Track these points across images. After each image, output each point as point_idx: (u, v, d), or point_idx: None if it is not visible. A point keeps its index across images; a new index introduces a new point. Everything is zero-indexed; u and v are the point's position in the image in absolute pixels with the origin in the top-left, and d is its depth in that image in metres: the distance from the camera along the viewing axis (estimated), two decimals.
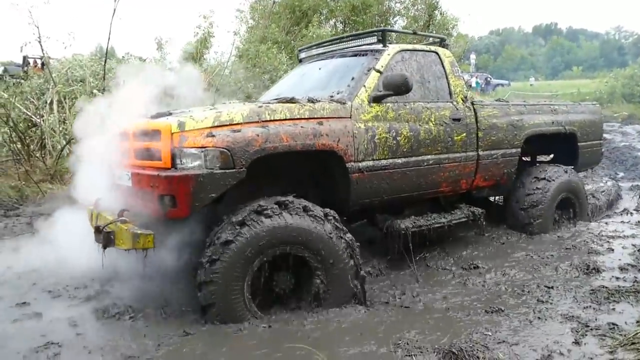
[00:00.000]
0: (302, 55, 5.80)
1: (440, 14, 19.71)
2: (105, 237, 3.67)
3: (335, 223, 3.72)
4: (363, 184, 4.10)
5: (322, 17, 18.05)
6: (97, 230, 3.77)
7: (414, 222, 4.57)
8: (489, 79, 39.78)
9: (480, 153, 5.01)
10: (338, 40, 5.32)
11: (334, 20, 18.61)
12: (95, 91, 8.95)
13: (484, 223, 5.25)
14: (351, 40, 5.12)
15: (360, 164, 4.05)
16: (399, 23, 19.57)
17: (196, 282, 3.49)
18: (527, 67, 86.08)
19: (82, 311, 3.86)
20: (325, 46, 5.45)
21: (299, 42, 15.17)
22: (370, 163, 4.12)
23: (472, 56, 38.82)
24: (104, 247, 3.77)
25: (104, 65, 9.76)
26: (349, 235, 3.76)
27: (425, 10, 19.31)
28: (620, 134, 15.22)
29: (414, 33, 5.63)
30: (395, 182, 4.32)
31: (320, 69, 5.04)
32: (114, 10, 8.71)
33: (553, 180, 5.67)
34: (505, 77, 54.43)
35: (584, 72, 59.10)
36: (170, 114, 3.91)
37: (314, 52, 5.58)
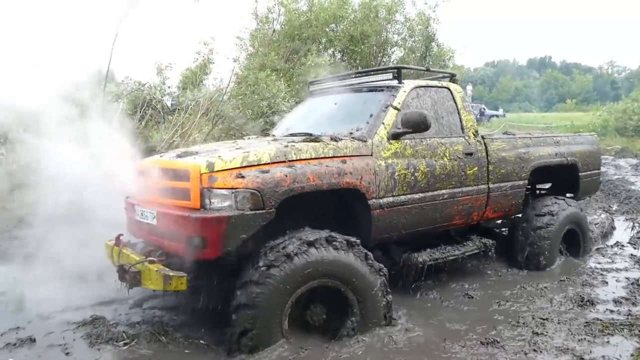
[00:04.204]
0: (314, 87, 5.90)
1: (437, 45, 20.05)
2: (132, 277, 3.68)
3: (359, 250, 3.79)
4: (383, 219, 4.20)
5: (320, 47, 18.32)
6: (122, 269, 3.77)
7: (431, 255, 4.68)
8: (483, 109, 40.19)
9: (491, 186, 5.16)
10: (353, 75, 5.44)
11: (332, 49, 18.89)
12: None
13: (495, 254, 5.38)
14: (365, 75, 5.24)
15: (381, 201, 4.16)
16: (396, 54, 19.90)
17: (232, 305, 3.50)
18: (521, 99, 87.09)
19: (76, 337, 3.84)
20: (337, 80, 5.57)
21: (297, 70, 15.39)
22: (391, 199, 4.23)
23: (469, 87, 39.25)
24: (130, 287, 3.79)
25: (104, 88, 9.85)
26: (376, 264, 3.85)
27: (422, 42, 19.63)
28: (613, 167, 15.38)
29: (427, 70, 5.82)
30: (413, 217, 4.44)
31: (335, 103, 5.15)
32: (116, 35, 8.85)
33: (559, 213, 5.76)
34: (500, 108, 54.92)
35: (577, 105, 59.76)
36: (197, 153, 3.96)
37: (326, 85, 5.68)
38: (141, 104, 10.37)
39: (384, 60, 18.88)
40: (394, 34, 19.85)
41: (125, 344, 3.72)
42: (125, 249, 4.10)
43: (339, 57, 18.64)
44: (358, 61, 17.98)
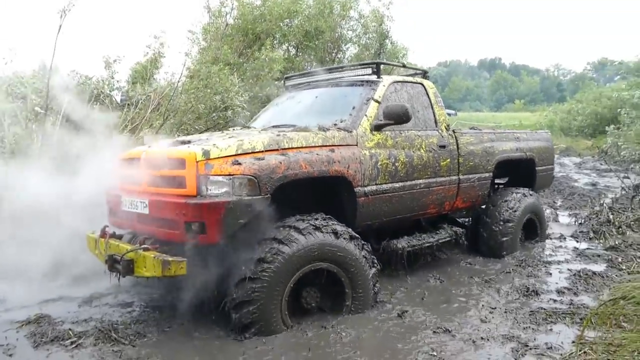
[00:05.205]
0: (290, 82, 6.08)
1: (391, 43, 20.32)
2: (124, 266, 3.72)
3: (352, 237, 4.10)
4: (367, 207, 4.48)
5: (275, 41, 18.24)
6: (113, 259, 3.81)
7: (409, 242, 5.01)
8: None
9: (461, 177, 5.55)
10: (335, 70, 5.65)
11: (286, 44, 18.84)
12: (37, 108, 8.70)
13: (465, 242, 5.80)
14: (343, 70, 5.47)
15: (365, 189, 4.43)
16: (351, 50, 20.07)
17: (230, 302, 3.65)
18: (472, 99, 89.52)
19: (19, 336, 3.71)
20: (314, 75, 5.78)
21: (251, 65, 15.27)
22: (374, 187, 4.50)
23: None
24: (124, 276, 3.87)
25: (47, 82, 9.47)
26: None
27: (376, 39, 19.86)
28: (558, 165, 16.08)
29: (404, 66, 6.14)
30: (394, 205, 4.74)
31: (317, 97, 5.37)
32: (60, 26, 8.51)
33: (520, 203, 6.18)
34: (452, 107, 56.32)
35: (525, 106, 62.09)
36: (190, 142, 4.05)
37: (304, 80, 5.88)
38: (88, 98, 10.05)
39: (339, 56, 19.03)
40: (348, 30, 20.02)
41: (72, 343, 3.63)
42: (112, 239, 4.13)
43: (294, 52, 18.64)
44: (312, 56, 18.02)
